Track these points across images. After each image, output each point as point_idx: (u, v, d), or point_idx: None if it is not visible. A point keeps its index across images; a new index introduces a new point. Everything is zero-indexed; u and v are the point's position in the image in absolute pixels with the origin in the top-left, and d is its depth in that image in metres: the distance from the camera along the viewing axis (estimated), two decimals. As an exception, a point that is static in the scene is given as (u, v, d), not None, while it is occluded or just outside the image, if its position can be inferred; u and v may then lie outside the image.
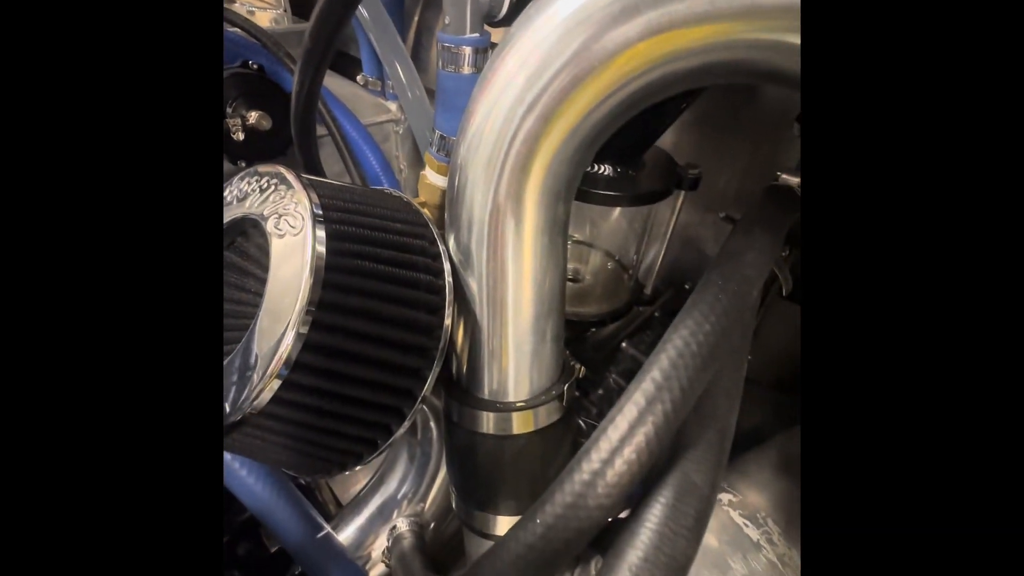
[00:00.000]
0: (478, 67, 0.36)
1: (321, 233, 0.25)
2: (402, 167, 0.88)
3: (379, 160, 0.73)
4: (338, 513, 0.50)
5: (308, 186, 0.27)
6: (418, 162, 0.86)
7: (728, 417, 0.28)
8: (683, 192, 0.44)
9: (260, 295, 0.25)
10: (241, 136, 0.55)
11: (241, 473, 0.39)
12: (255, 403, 0.24)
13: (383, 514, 0.49)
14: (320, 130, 0.72)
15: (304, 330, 0.24)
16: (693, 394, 0.25)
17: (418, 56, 0.82)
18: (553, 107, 0.26)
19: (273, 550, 0.52)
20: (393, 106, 0.84)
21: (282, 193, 0.27)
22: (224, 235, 0.30)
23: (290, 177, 0.28)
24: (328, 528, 0.44)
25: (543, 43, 0.25)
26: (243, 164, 0.60)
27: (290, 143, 0.64)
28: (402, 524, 0.47)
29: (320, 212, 0.26)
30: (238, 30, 0.60)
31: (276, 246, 0.25)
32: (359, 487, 0.53)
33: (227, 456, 0.38)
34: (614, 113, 0.26)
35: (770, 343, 0.57)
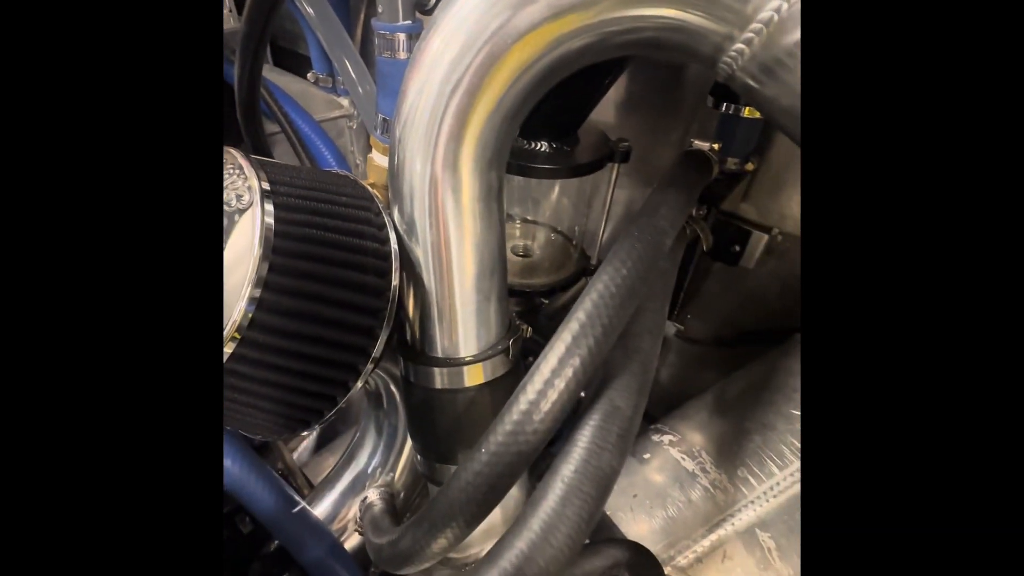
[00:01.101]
0: (412, 51, 0.39)
1: (269, 207, 0.27)
2: (358, 161, 0.90)
3: (334, 154, 0.75)
4: (312, 491, 0.52)
5: (256, 165, 0.29)
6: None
7: (650, 351, 0.32)
8: (617, 165, 0.48)
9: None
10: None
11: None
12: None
13: (355, 488, 0.51)
14: (273, 127, 0.73)
15: (257, 293, 0.26)
16: (614, 330, 0.29)
17: (366, 51, 0.83)
18: (477, 84, 0.29)
19: (246, 531, 0.53)
20: (345, 101, 0.86)
21: (233, 174, 0.29)
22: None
23: (240, 158, 0.30)
24: (303, 503, 0.46)
25: (461, 27, 0.28)
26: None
27: (239, 136, 0.65)
28: (372, 494, 0.49)
29: (268, 187, 0.28)
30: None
31: (229, 220, 0.28)
32: (331, 469, 0.55)
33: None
34: (532, 86, 0.29)
35: (710, 306, 0.62)
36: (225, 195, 0.28)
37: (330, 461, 0.62)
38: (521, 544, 0.24)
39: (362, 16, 0.84)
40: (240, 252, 0.27)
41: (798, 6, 0.23)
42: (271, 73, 0.85)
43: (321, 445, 0.76)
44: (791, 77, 0.24)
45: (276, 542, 0.52)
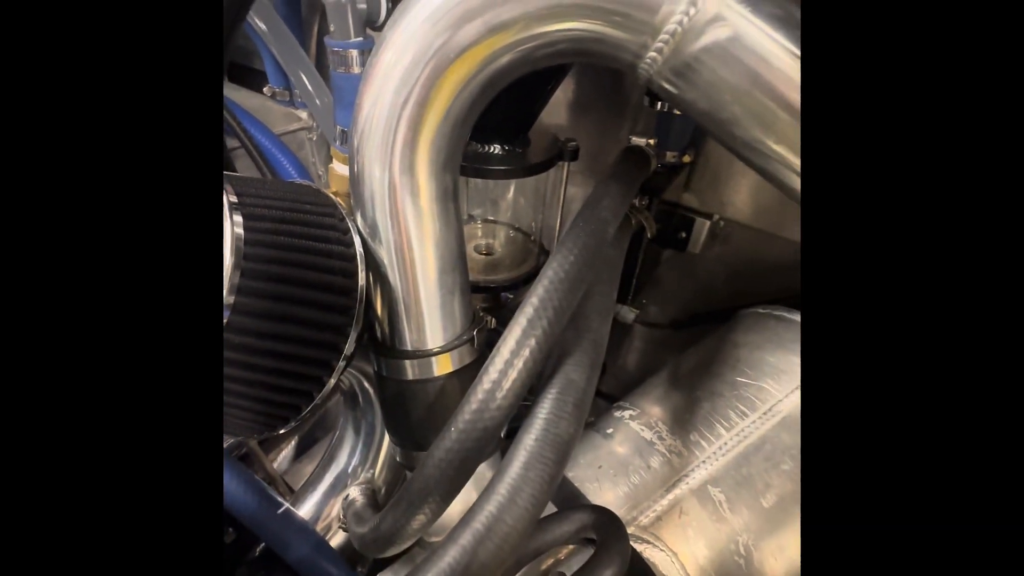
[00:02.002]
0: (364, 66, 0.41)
1: (238, 217, 0.29)
2: (320, 172, 0.91)
3: (296, 167, 0.76)
4: (294, 495, 0.53)
5: (223, 179, 0.31)
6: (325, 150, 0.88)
7: (600, 330, 0.35)
8: (567, 163, 0.52)
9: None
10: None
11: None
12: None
13: (336, 487, 0.53)
14: (234, 143, 0.74)
15: (231, 300, 0.28)
16: (565, 312, 0.32)
17: (321, 64, 0.85)
18: (425, 95, 0.32)
19: (229, 540, 0.54)
20: (304, 114, 0.87)
21: (199, 188, 0.31)
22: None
23: (204, 173, 0.31)
24: (287, 504, 0.47)
25: (409, 45, 0.31)
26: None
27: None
28: (354, 491, 0.51)
29: (235, 200, 0.30)
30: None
31: (199, 231, 0.29)
32: (312, 471, 0.57)
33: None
34: (476, 95, 0.32)
35: (665, 292, 0.66)
36: (194, 209, 0.30)
37: (309, 469, 0.63)
38: (490, 507, 0.27)
39: (315, 29, 0.86)
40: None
41: (699, 17, 0.26)
42: (228, 90, 0.85)
43: (300, 453, 0.76)
44: (701, 80, 0.28)
45: (259, 548, 0.53)
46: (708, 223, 0.56)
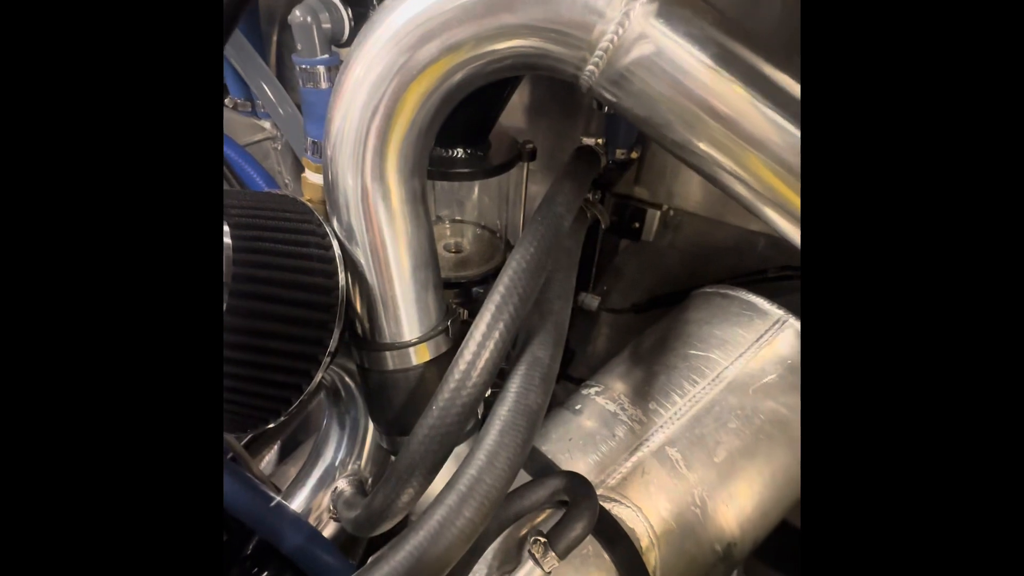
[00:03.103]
0: (332, 81, 0.44)
1: (226, 227, 0.32)
2: (287, 181, 0.92)
3: (264, 177, 0.77)
4: (283, 492, 0.56)
5: (205, 192, 0.34)
6: (298, 168, 0.90)
7: (562, 311, 0.39)
8: (526, 164, 0.55)
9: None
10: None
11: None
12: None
13: (325, 481, 0.55)
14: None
15: (229, 300, 0.31)
16: (529, 298, 0.35)
17: (282, 75, 0.86)
18: (391, 108, 0.35)
19: (224, 539, 0.56)
20: (267, 124, 0.88)
21: (183, 202, 0.34)
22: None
23: (187, 188, 0.34)
24: (279, 498, 0.49)
25: (375, 63, 0.34)
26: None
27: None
28: (342, 483, 0.54)
29: (225, 210, 0.33)
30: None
31: (187, 241, 0.32)
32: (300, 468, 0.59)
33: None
34: (438, 105, 0.36)
35: (625, 280, 0.71)
36: (182, 221, 0.32)
37: (294, 471, 0.65)
38: (472, 470, 0.31)
39: (274, 39, 0.87)
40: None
41: (627, 35, 0.30)
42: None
43: (284, 456, 0.78)
44: (634, 89, 0.32)
45: (252, 545, 0.55)
46: (659, 213, 0.61)
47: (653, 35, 0.30)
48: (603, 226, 0.51)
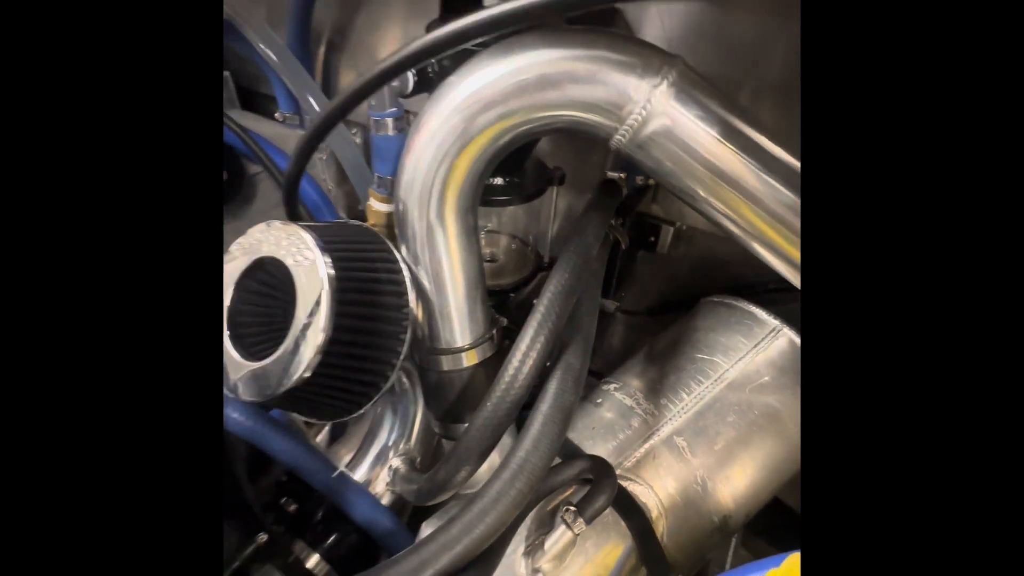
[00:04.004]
0: (398, 129, 0.52)
1: (328, 259, 0.40)
2: (330, 187, 1.00)
3: (315, 189, 0.85)
4: (346, 466, 0.65)
5: (307, 229, 0.42)
6: (344, 181, 0.98)
7: (590, 326, 0.47)
8: (556, 187, 0.63)
9: (289, 304, 0.40)
10: (203, 189, 0.67)
11: (276, 437, 0.53)
12: (302, 376, 0.39)
13: (380, 458, 0.65)
14: (257, 168, 0.84)
15: (331, 324, 0.39)
16: (563, 316, 0.43)
17: (328, 90, 0.94)
18: (453, 161, 0.43)
19: (292, 512, 0.66)
20: (314, 136, 0.96)
21: (288, 237, 0.42)
22: (248, 271, 0.44)
23: (292, 226, 0.42)
24: (342, 468, 0.59)
25: (444, 124, 0.42)
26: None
27: (238, 190, 0.76)
28: (396, 461, 0.63)
29: (323, 244, 0.41)
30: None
31: (297, 272, 0.40)
32: (351, 453, 0.68)
33: (263, 425, 0.52)
34: (490, 159, 0.44)
35: (640, 286, 0.79)
36: (292, 260, 0.41)
37: (342, 452, 0.75)
38: (521, 453, 0.39)
39: (321, 57, 0.94)
40: (312, 294, 0.40)
41: (650, 112, 0.38)
42: (244, 118, 0.94)
43: (334, 438, 0.88)
44: (654, 153, 0.39)
45: (320, 515, 0.65)
46: (672, 229, 0.68)
47: (671, 113, 0.37)
48: (623, 247, 0.59)
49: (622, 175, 0.54)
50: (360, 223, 0.49)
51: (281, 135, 0.90)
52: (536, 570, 0.45)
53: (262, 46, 0.83)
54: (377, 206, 0.55)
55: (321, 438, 0.90)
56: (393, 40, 0.85)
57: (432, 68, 0.49)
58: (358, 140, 0.95)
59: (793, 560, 0.34)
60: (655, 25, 0.56)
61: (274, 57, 0.84)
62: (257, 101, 1.02)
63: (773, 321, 0.58)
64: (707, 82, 0.38)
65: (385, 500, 0.64)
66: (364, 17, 0.83)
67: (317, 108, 0.87)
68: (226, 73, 0.95)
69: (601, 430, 0.56)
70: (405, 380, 0.63)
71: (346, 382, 0.42)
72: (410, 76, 0.49)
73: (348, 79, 0.93)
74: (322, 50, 0.91)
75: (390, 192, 0.55)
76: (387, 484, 0.63)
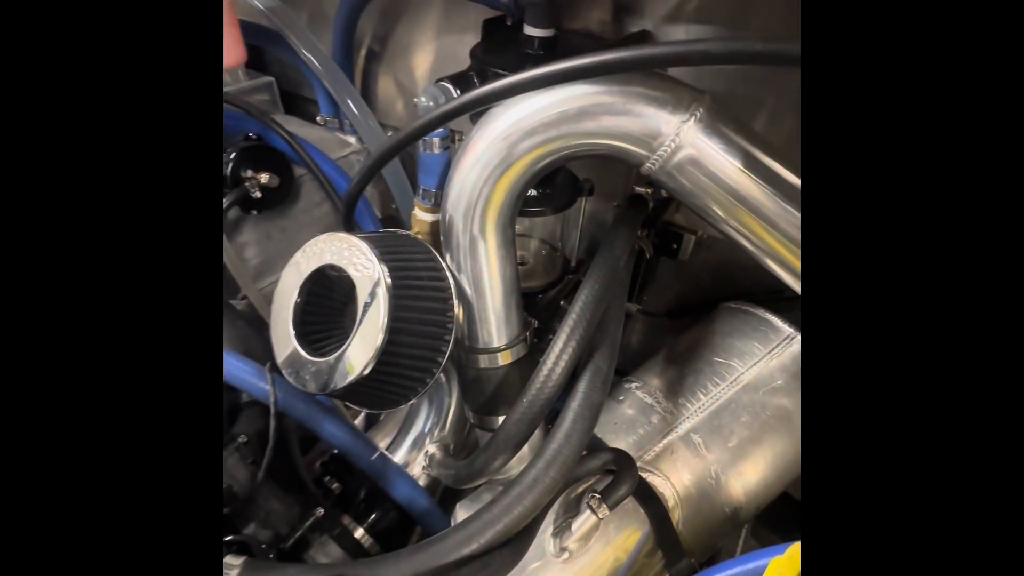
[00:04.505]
0: (444, 147, 0.57)
1: (386, 268, 0.45)
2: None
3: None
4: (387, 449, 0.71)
5: (368, 240, 0.47)
6: (380, 181, 1.03)
7: (615, 332, 0.52)
8: (585, 198, 0.67)
9: (347, 307, 0.45)
10: (258, 194, 0.73)
11: (328, 423, 0.59)
12: (363, 373, 0.45)
13: (417, 443, 0.70)
14: (301, 170, 0.89)
15: (389, 325, 0.44)
16: (593, 323, 0.48)
17: (366, 96, 0.99)
18: (496, 182, 0.47)
19: (336, 491, 0.72)
20: (352, 139, 1.01)
21: (349, 248, 0.47)
22: (311, 277, 0.49)
23: (353, 238, 0.47)
24: (382, 449, 0.65)
25: (488, 148, 0.46)
26: (255, 212, 0.78)
27: (288, 193, 0.81)
28: (432, 447, 0.69)
29: (380, 254, 0.46)
30: (231, 106, 0.76)
31: (359, 280, 0.46)
32: (387, 439, 0.74)
33: (318, 412, 0.58)
34: (529, 179, 0.48)
35: (662, 289, 0.83)
36: (353, 269, 0.46)
37: (378, 438, 0.81)
38: (554, 445, 0.44)
39: (361, 65, 0.99)
40: (372, 300, 0.45)
41: (679, 142, 0.42)
42: (289, 123, 0.99)
43: (369, 426, 0.94)
44: (682, 179, 0.43)
45: (363, 494, 0.71)
46: (694, 237, 0.72)
47: (697, 145, 0.41)
48: (647, 256, 0.63)
49: (648, 190, 0.58)
50: (409, 234, 0.54)
51: (322, 139, 0.96)
52: (563, 548, 0.50)
53: (306, 53, 0.88)
54: (422, 216, 0.59)
55: (358, 423, 0.97)
56: (427, 51, 0.89)
57: (477, 85, 0.54)
58: (394, 143, 1.01)
59: (795, 549, 0.39)
60: (684, 47, 0.59)
61: (317, 64, 0.89)
62: (299, 104, 1.07)
63: (788, 328, 0.62)
64: (731, 116, 0.42)
65: (421, 482, 0.70)
66: (402, 29, 0.88)
67: (356, 112, 0.92)
68: (271, 78, 1.00)
69: (623, 425, 0.60)
70: (441, 375, 0.68)
71: (398, 377, 0.48)
72: (455, 96, 0.53)
73: (385, 85, 0.98)
74: (362, 58, 0.96)
75: (433, 203, 0.59)
76: (423, 468, 0.69)
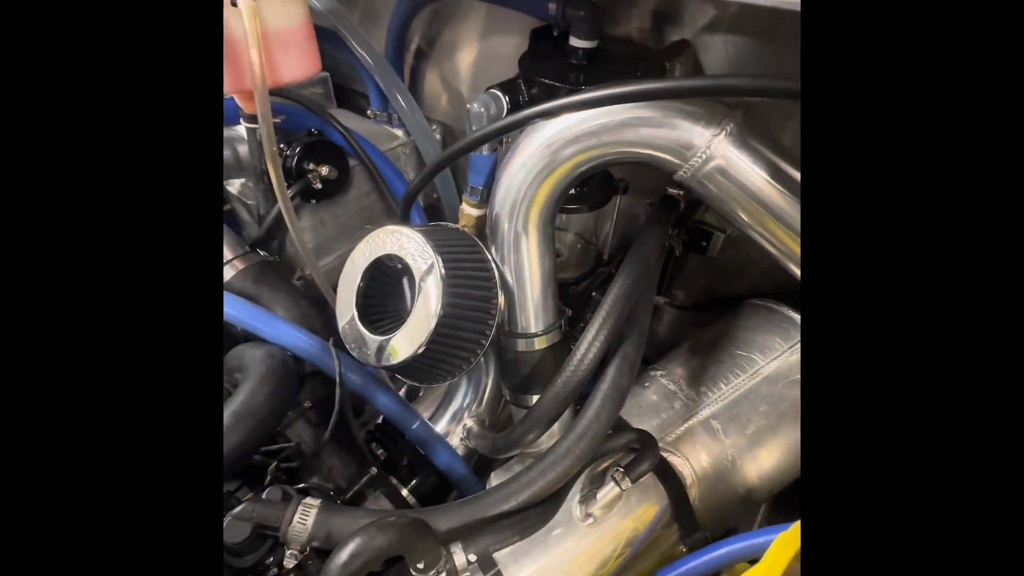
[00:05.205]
0: (491, 149, 0.62)
1: (440, 258, 0.51)
2: (410, 176, 1.12)
3: (402, 181, 0.97)
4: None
5: (424, 233, 0.53)
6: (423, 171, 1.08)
7: (644, 323, 0.56)
8: (619, 196, 0.72)
9: (404, 292, 0.52)
10: (319, 185, 0.80)
11: (381, 394, 0.66)
12: (418, 351, 0.51)
13: (456, 417, 0.77)
14: (354, 161, 0.96)
15: (441, 311, 0.50)
16: (623, 315, 0.53)
17: (414, 91, 1.04)
18: (540, 184, 0.52)
19: (382, 458, 0.80)
20: (399, 132, 1.07)
21: (409, 240, 0.53)
22: (374, 264, 0.56)
23: (413, 231, 0.54)
24: (423, 418, 0.71)
25: (535, 153, 0.51)
26: (313, 201, 0.85)
27: (345, 185, 0.88)
28: (470, 421, 0.76)
29: (435, 245, 0.52)
30: (291, 102, 0.83)
31: (415, 268, 0.52)
32: (427, 412, 0.81)
33: (373, 384, 0.65)
34: (569, 182, 0.53)
35: (690, 284, 0.86)
36: (411, 259, 0.52)
37: (419, 411, 0.88)
38: (585, 420, 0.50)
39: (410, 61, 1.04)
40: (428, 287, 0.51)
41: (711, 153, 0.46)
42: (343, 117, 1.06)
43: (410, 400, 1.02)
44: (712, 186, 0.47)
45: (405, 461, 0.78)
46: (723, 235, 0.75)
47: (728, 156, 0.45)
48: (677, 253, 0.67)
49: (680, 192, 0.62)
50: (459, 228, 0.60)
51: (372, 132, 1.02)
52: (588, 514, 0.56)
53: (360, 51, 0.94)
54: (469, 211, 0.65)
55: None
56: (472, 51, 0.94)
57: (523, 97, 0.59)
58: (438, 136, 1.06)
59: (797, 525, 0.43)
60: (720, 55, 0.62)
61: (370, 60, 0.95)
62: (350, 98, 1.14)
63: (809, 326, 0.65)
64: (761, 130, 0.46)
65: (459, 452, 0.76)
66: (449, 30, 0.93)
67: (405, 107, 0.98)
68: (326, 73, 1.07)
69: (647, 410, 0.65)
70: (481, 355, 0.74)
71: (447, 356, 0.54)
72: (504, 102, 0.58)
73: (432, 81, 1.03)
74: (411, 55, 1.02)
75: (480, 200, 0.65)
76: (461, 439, 0.76)
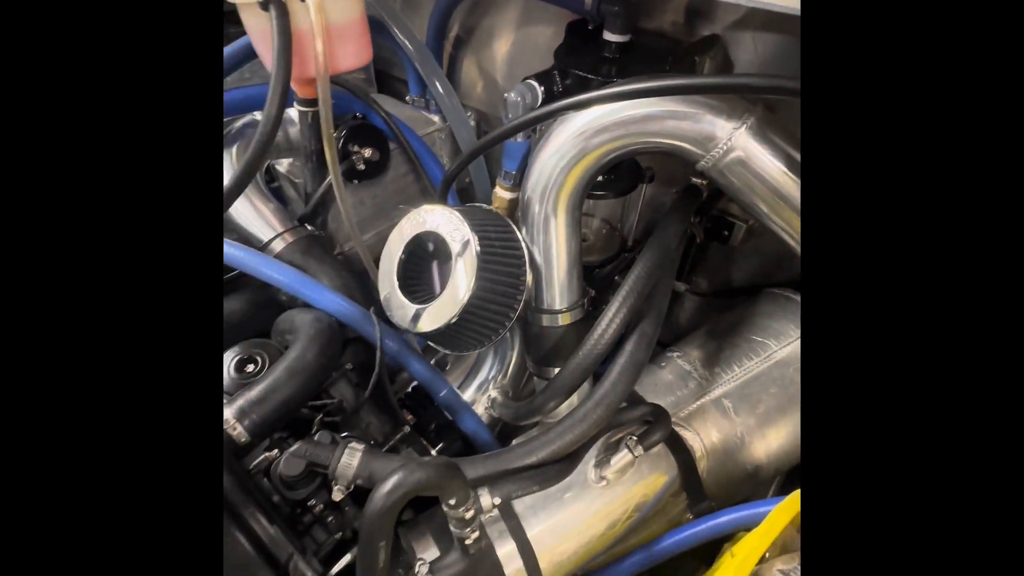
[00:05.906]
0: (525, 136, 0.66)
1: (475, 236, 0.56)
2: (444, 161, 1.17)
3: (438, 164, 1.02)
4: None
5: (462, 212, 0.58)
6: (456, 155, 1.13)
7: (662, 305, 0.60)
8: (645, 184, 0.75)
9: (447, 267, 0.57)
10: (362, 166, 0.86)
11: (414, 361, 0.72)
12: (452, 319, 0.56)
13: (482, 388, 0.83)
14: (394, 144, 1.01)
15: (475, 283, 0.55)
16: (642, 296, 0.57)
17: (452, 78, 1.08)
18: (569, 169, 0.56)
19: (412, 424, 0.86)
20: (436, 118, 1.12)
21: (448, 219, 0.58)
22: (414, 240, 0.61)
23: (451, 210, 0.58)
24: (453, 387, 0.77)
25: (566, 141, 0.55)
26: (355, 182, 0.91)
27: (385, 166, 0.93)
28: (495, 392, 0.81)
29: (471, 224, 0.57)
30: (338, 87, 0.89)
31: (452, 244, 0.57)
32: (455, 383, 0.87)
33: (407, 351, 0.71)
34: (597, 169, 0.57)
35: (711, 271, 0.89)
36: (449, 237, 0.57)
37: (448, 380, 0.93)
38: (602, 391, 0.54)
39: (448, 49, 1.09)
40: (464, 261, 0.56)
41: (732, 145, 0.49)
42: (384, 102, 1.11)
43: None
44: (733, 176, 0.51)
45: (433, 426, 0.84)
46: (745, 225, 0.78)
47: (748, 148, 0.49)
48: (698, 240, 0.70)
49: (704, 182, 0.65)
50: (493, 209, 0.65)
51: (411, 117, 1.07)
52: (602, 477, 0.61)
53: (401, 38, 0.99)
54: (502, 193, 0.70)
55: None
56: (508, 40, 0.97)
57: (557, 88, 0.62)
58: (472, 122, 1.11)
59: (796, 493, 0.47)
60: (749, 50, 0.64)
61: (411, 47, 0.99)
62: (389, 83, 1.19)
63: (824, 315, 0.67)
64: (780, 125, 0.48)
65: (484, 420, 0.82)
66: (488, 20, 0.96)
67: (443, 92, 1.02)
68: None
69: (662, 387, 0.69)
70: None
71: (477, 326, 0.59)
72: (539, 92, 0.62)
73: (469, 69, 1.07)
74: (449, 43, 1.06)
75: (513, 184, 0.69)
76: (485, 408, 0.81)
